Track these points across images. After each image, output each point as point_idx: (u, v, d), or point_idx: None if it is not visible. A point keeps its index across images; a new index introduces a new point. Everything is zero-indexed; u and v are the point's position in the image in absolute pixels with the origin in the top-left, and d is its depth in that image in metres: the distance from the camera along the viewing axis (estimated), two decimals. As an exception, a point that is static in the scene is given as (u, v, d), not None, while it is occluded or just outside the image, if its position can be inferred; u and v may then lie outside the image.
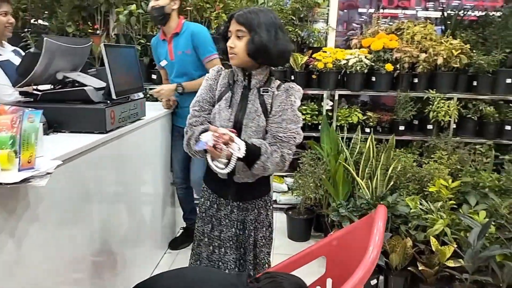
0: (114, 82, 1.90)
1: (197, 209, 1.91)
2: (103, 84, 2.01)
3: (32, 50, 1.87)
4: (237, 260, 1.73)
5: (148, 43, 3.51)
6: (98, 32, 3.62)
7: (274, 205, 3.47)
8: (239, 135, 1.56)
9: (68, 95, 1.90)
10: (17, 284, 1.28)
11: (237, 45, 1.54)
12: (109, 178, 1.95)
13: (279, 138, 1.58)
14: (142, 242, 2.46)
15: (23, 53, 2.40)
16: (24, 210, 1.30)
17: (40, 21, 3.72)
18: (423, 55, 3.24)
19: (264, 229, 1.77)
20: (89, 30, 3.66)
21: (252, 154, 1.52)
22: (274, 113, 1.60)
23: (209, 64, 2.57)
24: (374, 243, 1.34)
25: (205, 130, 1.52)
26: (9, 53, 2.28)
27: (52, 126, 1.78)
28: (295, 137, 1.60)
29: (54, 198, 1.45)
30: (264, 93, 1.61)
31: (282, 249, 2.90)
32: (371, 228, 1.42)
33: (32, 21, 3.70)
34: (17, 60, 2.26)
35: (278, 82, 1.65)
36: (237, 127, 1.60)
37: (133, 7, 3.36)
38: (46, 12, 3.61)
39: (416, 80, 3.36)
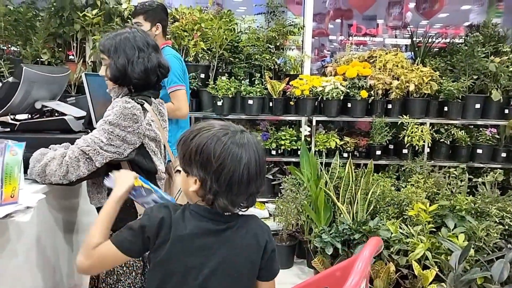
0: (95, 111, 1.87)
1: None
2: (83, 113, 1.97)
3: (10, 79, 1.82)
4: None
5: (125, 71, 3.49)
6: (73, 59, 3.58)
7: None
8: None
9: (47, 125, 1.85)
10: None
11: (102, 71, 1.59)
12: (86, 208, 1.89)
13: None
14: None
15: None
16: (5, 245, 1.24)
17: (13, 48, 3.65)
18: (395, 82, 3.36)
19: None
20: (65, 58, 3.62)
21: None
22: None
23: (173, 94, 2.50)
24: (355, 270, 1.31)
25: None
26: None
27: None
28: (78, 147, 1.45)
29: (34, 231, 1.40)
30: None
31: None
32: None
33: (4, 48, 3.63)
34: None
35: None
36: None
37: (111, 35, 3.34)
38: (19, 39, 3.55)
39: (390, 106, 3.47)
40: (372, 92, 3.40)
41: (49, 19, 3.43)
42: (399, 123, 3.41)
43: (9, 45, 3.55)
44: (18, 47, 3.53)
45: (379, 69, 3.48)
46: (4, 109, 1.78)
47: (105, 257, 1.07)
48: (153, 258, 1.07)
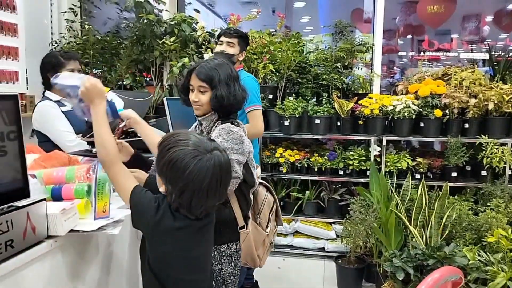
0: (174, 129, 2.01)
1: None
2: (163, 134, 2.12)
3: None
4: None
5: (198, 93, 3.69)
6: (152, 82, 3.86)
7: (322, 253, 3.43)
8: None
9: (132, 145, 2.02)
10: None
11: (201, 99, 1.64)
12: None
13: None
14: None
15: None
16: (97, 255, 1.38)
17: (96, 71, 4.00)
18: (472, 101, 3.20)
19: None
20: (145, 82, 3.91)
21: None
22: None
23: (250, 114, 2.59)
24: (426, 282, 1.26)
25: None
26: (75, 105, 2.46)
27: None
28: None
29: (122, 243, 1.53)
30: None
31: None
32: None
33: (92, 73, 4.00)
34: (82, 111, 2.43)
35: (222, 124, 1.68)
36: None
37: (186, 60, 3.56)
38: (105, 65, 3.90)
39: (466, 126, 3.30)
40: (447, 111, 3.26)
41: (132, 46, 3.74)
42: (477, 143, 3.23)
43: (93, 70, 3.90)
44: (103, 72, 3.88)
45: (455, 87, 3.34)
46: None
47: (121, 176, 1.28)
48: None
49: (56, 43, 3.77)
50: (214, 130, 1.68)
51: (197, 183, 1.14)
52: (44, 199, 1.16)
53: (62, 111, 2.35)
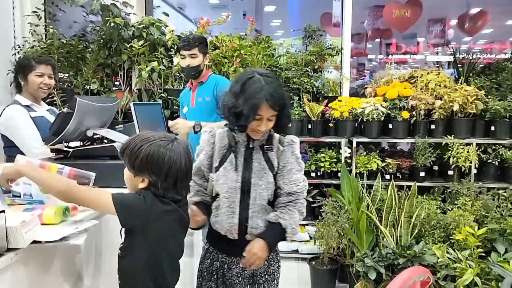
0: (142, 137, 1.96)
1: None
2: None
3: (65, 110, 1.96)
4: None
5: (169, 97, 3.64)
6: (120, 87, 3.78)
7: (296, 255, 3.44)
8: (248, 195, 1.60)
9: (98, 151, 1.97)
10: None
11: (269, 126, 1.57)
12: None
13: (294, 191, 1.63)
14: None
15: (57, 112, 2.51)
16: (59, 268, 1.32)
17: (61, 75, 3.89)
18: (438, 102, 3.29)
19: (274, 282, 1.73)
20: (113, 86, 3.82)
21: (277, 235, 1.60)
22: (282, 167, 1.64)
23: None
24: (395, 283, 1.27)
25: (199, 202, 1.62)
26: (44, 111, 2.39)
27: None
28: (305, 185, 1.68)
29: (87, 253, 1.48)
30: (268, 151, 1.64)
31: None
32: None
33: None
34: (51, 118, 2.37)
35: (277, 136, 1.68)
36: (245, 187, 1.60)
37: (155, 64, 3.51)
38: (71, 69, 3.79)
39: (433, 126, 3.38)
40: (414, 113, 3.34)
41: (99, 50, 3.65)
42: (443, 143, 3.32)
43: (58, 74, 3.79)
44: (69, 77, 3.77)
45: (421, 89, 3.42)
46: (59, 137, 1.92)
47: (91, 193, 1.29)
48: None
49: (19, 47, 3.64)
50: (274, 139, 1.66)
51: (178, 165, 1.30)
52: (3, 211, 1.10)
53: (31, 117, 2.28)
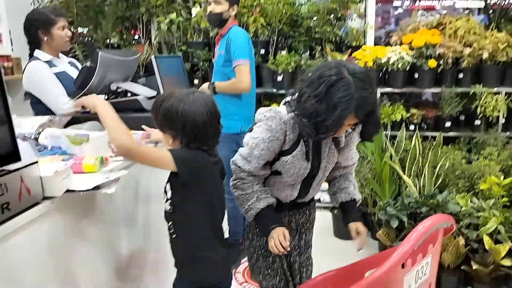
0: (165, 91, 1.97)
1: (246, 226, 1.80)
2: (154, 93, 2.09)
3: (87, 64, 1.97)
4: (300, 264, 1.74)
5: (188, 50, 3.61)
6: (140, 40, 3.75)
7: (319, 204, 3.49)
8: (314, 177, 1.56)
9: (123, 105, 1.98)
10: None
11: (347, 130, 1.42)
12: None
13: (351, 164, 1.65)
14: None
15: (77, 64, 2.52)
16: (93, 215, 1.39)
17: (81, 29, 3.88)
18: (467, 50, 3.16)
19: (312, 228, 1.80)
20: (132, 40, 3.80)
21: (357, 208, 1.66)
22: (345, 145, 1.56)
23: (236, 69, 2.57)
24: (406, 240, 1.26)
25: (270, 205, 1.51)
26: (65, 65, 2.39)
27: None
28: (357, 157, 1.68)
29: (117, 202, 1.54)
30: None
31: (329, 248, 2.88)
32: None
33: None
34: (72, 71, 2.37)
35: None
36: (313, 171, 1.54)
37: (173, 15, 3.45)
38: (90, 23, 3.77)
39: (461, 75, 3.27)
40: (441, 62, 3.22)
41: (117, 3, 3.61)
42: (471, 93, 3.22)
43: (78, 29, 3.78)
44: (89, 31, 3.76)
45: (449, 36, 3.28)
46: (83, 91, 1.94)
47: (152, 152, 1.29)
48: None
49: (38, 1, 3.62)
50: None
51: (191, 118, 1.28)
52: (36, 162, 1.14)
53: (53, 73, 2.28)
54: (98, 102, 1.32)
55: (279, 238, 1.46)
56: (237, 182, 1.53)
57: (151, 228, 1.87)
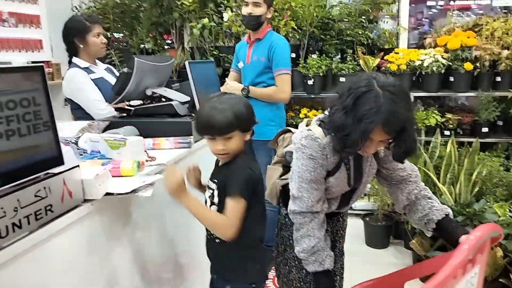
0: (198, 96, 2.00)
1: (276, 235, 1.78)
2: (187, 98, 2.12)
3: (125, 70, 2.03)
4: (334, 273, 1.68)
5: (220, 55, 3.65)
6: (173, 45, 3.83)
7: (350, 211, 3.45)
8: (354, 191, 1.54)
9: (157, 110, 2.03)
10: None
11: (380, 146, 1.36)
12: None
13: (414, 175, 1.54)
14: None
15: (114, 70, 2.59)
16: (131, 217, 1.43)
17: (118, 37, 3.98)
18: (505, 52, 3.05)
19: (344, 235, 1.77)
20: (166, 45, 3.88)
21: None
22: (387, 153, 1.48)
23: (278, 78, 2.58)
24: (459, 250, 1.22)
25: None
26: (102, 71, 2.47)
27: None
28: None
29: (152, 205, 1.57)
30: None
31: (360, 256, 2.85)
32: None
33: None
34: (109, 77, 2.45)
35: None
36: (355, 187, 1.52)
37: (206, 20, 3.50)
38: (125, 29, 3.88)
39: (498, 79, 3.17)
40: (477, 64, 3.13)
41: (151, 9, 3.69)
42: (509, 97, 3.11)
43: (114, 34, 3.88)
44: (124, 36, 3.86)
45: (486, 38, 3.18)
46: (121, 96, 2.00)
47: (239, 212, 1.30)
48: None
49: (76, 8, 3.76)
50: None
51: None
52: (78, 166, 1.19)
53: (91, 79, 2.36)
54: (184, 201, 1.33)
55: None
56: (300, 233, 1.45)
57: (180, 233, 1.90)
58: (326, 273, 1.45)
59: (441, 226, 1.49)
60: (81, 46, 2.36)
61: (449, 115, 3.26)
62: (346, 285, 1.81)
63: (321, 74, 3.40)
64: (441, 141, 2.94)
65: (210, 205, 1.41)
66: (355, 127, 1.20)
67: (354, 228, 3.19)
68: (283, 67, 2.59)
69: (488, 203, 2.42)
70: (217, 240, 1.40)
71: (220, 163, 1.46)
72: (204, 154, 2.10)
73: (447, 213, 1.50)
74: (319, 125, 1.41)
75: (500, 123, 3.30)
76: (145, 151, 1.67)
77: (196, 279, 2.07)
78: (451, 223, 1.49)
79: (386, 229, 3.05)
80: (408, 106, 1.25)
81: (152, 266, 1.60)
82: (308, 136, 1.39)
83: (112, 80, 2.38)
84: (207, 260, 2.09)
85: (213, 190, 1.41)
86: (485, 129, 3.18)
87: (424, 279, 1.62)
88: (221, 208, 1.35)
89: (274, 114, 2.69)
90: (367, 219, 3.10)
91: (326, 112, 1.42)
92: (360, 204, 3.42)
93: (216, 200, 1.39)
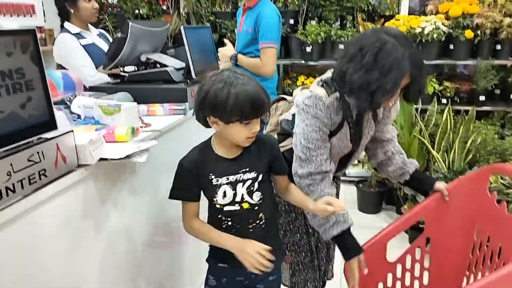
0: (193, 62, 1.99)
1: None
2: (182, 64, 2.10)
3: (119, 35, 2.00)
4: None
5: (217, 20, 3.59)
6: (168, 11, 3.75)
7: (344, 178, 3.49)
8: (353, 154, 1.57)
9: (152, 76, 2.02)
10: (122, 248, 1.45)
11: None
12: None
13: (393, 137, 1.65)
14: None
15: (107, 35, 2.56)
16: (125, 183, 1.45)
17: (112, 1, 3.90)
18: (507, 20, 3.01)
19: None
20: (161, 11, 3.80)
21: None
22: (385, 117, 1.56)
23: (262, 51, 2.48)
24: None
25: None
26: (95, 37, 2.44)
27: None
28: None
29: (147, 170, 1.59)
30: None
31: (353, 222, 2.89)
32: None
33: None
34: (101, 43, 2.42)
35: None
36: (354, 148, 1.54)
37: (202, -16, 3.42)
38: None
39: (499, 47, 3.13)
40: (478, 32, 3.09)
41: (146, -28, 3.59)
42: (508, 65, 3.08)
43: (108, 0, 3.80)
44: (119, 1, 3.78)
45: (489, 5, 3.12)
46: (115, 62, 1.98)
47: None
48: None
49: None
50: None
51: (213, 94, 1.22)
52: (72, 131, 1.19)
53: (82, 45, 2.34)
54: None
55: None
56: (312, 197, 1.42)
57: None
58: (349, 231, 1.46)
59: (414, 177, 1.65)
60: (72, 11, 2.33)
61: (447, 83, 3.24)
62: (337, 250, 1.86)
63: (319, 41, 3.35)
64: (437, 109, 2.94)
65: (250, 195, 1.32)
66: (385, 80, 1.24)
67: (348, 194, 3.25)
68: (267, 40, 2.47)
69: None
70: (263, 226, 1.35)
71: (234, 154, 1.33)
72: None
73: (417, 167, 1.66)
74: (322, 86, 1.42)
75: (497, 91, 3.29)
76: (140, 117, 1.67)
77: (194, 243, 2.12)
78: (422, 174, 1.70)
79: (379, 195, 3.10)
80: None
81: (147, 231, 1.63)
82: (311, 96, 1.40)
83: (105, 46, 2.35)
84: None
85: (251, 179, 1.31)
86: (482, 98, 3.17)
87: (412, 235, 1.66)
88: (264, 190, 1.32)
89: (262, 85, 2.64)
90: (361, 185, 3.15)
91: (328, 74, 1.43)
92: (354, 171, 3.46)
93: (256, 186, 1.31)
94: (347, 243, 1.46)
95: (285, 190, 1.44)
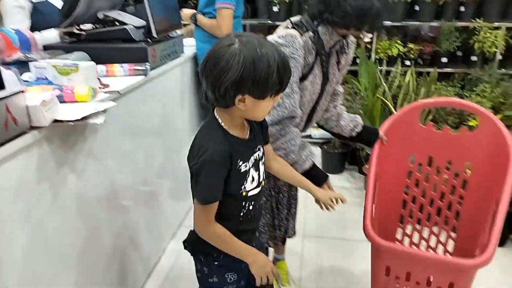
0: (154, 21, 1.91)
1: None
2: (143, 23, 2.02)
3: (73, -10, 1.88)
4: (289, 198, 1.82)
5: (181, -24, 3.43)
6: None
7: (309, 140, 3.54)
8: (318, 102, 1.58)
9: (111, 34, 1.94)
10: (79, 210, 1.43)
11: None
12: (152, 114, 2.03)
13: (341, 92, 1.74)
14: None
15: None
16: (82, 145, 1.41)
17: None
18: (471, -20, 3.03)
19: None
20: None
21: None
22: (341, 68, 1.58)
23: (218, 11, 2.38)
24: None
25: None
26: (48, -7, 2.30)
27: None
28: None
29: (106, 133, 1.56)
30: (343, 53, 1.53)
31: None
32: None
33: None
34: (56, 0, 2.28)
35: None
36: (321, 96, 1.56)
37: None
38: None
39: (462, 9, 3.17)
40: (443, -7, 3.10)
41: None
42: (471, 28, 3.13)
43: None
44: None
45: (454, -35, 3.12)
46: (70, 19, 1.88)
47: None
48: None
49: None
50: (349, 39, 1.56)
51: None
52: (22, 91, 1.14)
53: (33, 2, 2.20)
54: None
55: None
56: (283, 139, 1.44)
57: (139, 161, 1.91)
58: (315, 165, 1.56)
59: (365, 128, 1.75)
60: None
61: (411, 45, 3.28)
62: (301, 206, 1.92)
63: (287, 1, 3.29)
64: (401, 71, 2.98)
65: (264, 172, 1.22)
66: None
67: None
68: (223, 0, 2.37)
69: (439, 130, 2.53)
70: (261, 202, 1.27)
71: (247, 132, 1.16)
72: (162, 83, 2.07)
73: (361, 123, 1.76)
74: (293, 28, 1.41)
75: (459, 53, 3.35)
76: (98, 78, 1.61)
77: (155, 207, 2.13)
78: (369, 126, 1.79)
79: (342, 156, 3.17)
80: None
81: (106, 195, 1.62)
82: (286, 35, 1.37)
83: (59, 3, 2.22)
84: (172, 186, 2.14)
85: (262, 154, 1.21)
86: (444, 60, 3.23)
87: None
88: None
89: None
90: (325, 147, 3.20)
91: (297, 17, 1.45)
92: (319, 133, 3.50)
93: (263, 160, 1.23)
94: (318, 172, 1.57)
95: (273, 159, 1.36)
